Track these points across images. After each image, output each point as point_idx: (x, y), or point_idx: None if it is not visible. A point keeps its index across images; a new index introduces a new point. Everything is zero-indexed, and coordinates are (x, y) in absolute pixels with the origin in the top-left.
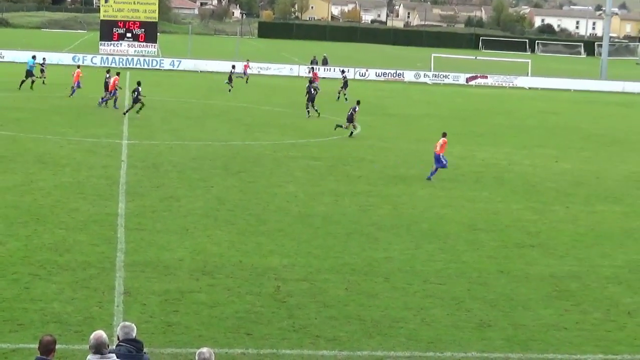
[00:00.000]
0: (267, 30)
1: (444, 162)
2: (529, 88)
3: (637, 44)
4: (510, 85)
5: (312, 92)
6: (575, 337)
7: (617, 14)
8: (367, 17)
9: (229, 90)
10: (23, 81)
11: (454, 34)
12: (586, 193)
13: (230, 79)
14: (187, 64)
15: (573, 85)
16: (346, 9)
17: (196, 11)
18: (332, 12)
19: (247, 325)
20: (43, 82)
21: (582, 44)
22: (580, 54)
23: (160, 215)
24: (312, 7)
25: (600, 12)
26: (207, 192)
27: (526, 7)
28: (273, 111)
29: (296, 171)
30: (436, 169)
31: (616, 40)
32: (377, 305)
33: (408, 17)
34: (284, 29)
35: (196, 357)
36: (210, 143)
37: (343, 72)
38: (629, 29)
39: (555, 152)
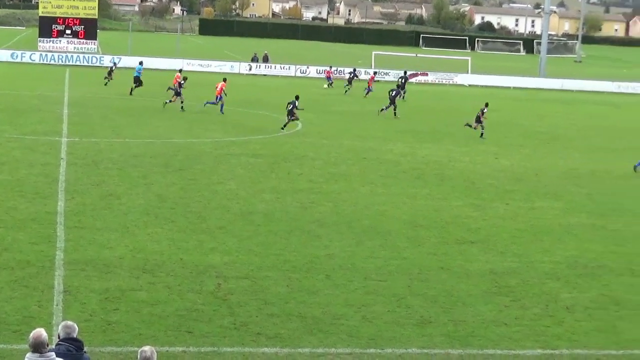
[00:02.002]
0: (208, 28)
1: None
2: (469, 85)
3: (575, 41)
4: (451, 82)
5: (392, 93)
6: (515, 332)
7: (555, 12)
8: (308, 15)
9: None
10: (133, 88)
11: (394, 31)
12: (526, 189)
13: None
14: (128, 61)
15: (513, 83)
16: (287, 6)
17: (136, 8)
18: (273, 9)
19: (188, 323)
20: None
21: (521, 41)
22: (519, 52)
23: (100, 213)
24: (252, 4)
25: (539, 10)
26: (148, 190)
27: (466, 4)
28: (214, 108)
29: (237, 168)
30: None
31: (555, 38)
32: (318, 302)
33: (349, 14)
34: (224, 26)
35: (138, 356)
36: (151, 140)
37: (405, 72)
38: (567, 27)
39: (495, 149)
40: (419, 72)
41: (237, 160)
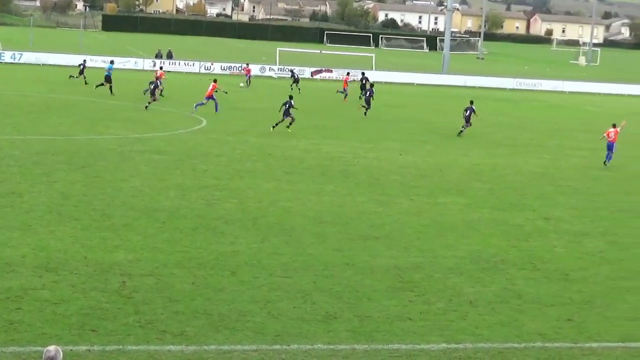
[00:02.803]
0: (111, 23)
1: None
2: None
3: (478, 39)
4: (355, 79)
5: (366, 95)
6: (420, 327)
7: (458, 9)
8: (212, 11)
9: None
10: (111, 86)
11: (299, 28)
12: (429, 185)
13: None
14: (29, 57)
15: (416, 79)
16: (191, 2)
17: (38, 3)
18: (176, 5)
19: (93, 321)
20: (86, 83)
21: (424, 38)
22: (423, 49)
23: (2, 211)
24: (156, 0)
25: (442, 7)
26: (50, 188)
27: (370, 1)
28: (118, 105)
29: (141, 165)
30: (611, 156)
31: (457, 35)
32: (224, 299)
33: (253, 10)
34: (128, 22)
35: (43, 356)
36: (53, 137)
37: (363, 74)
38: (469, 24)
39: (400, 145)
40: (323, 69)
41: (141, 157)
